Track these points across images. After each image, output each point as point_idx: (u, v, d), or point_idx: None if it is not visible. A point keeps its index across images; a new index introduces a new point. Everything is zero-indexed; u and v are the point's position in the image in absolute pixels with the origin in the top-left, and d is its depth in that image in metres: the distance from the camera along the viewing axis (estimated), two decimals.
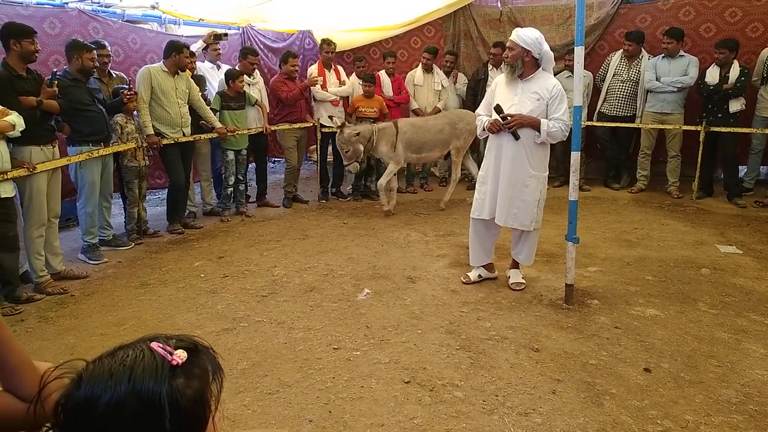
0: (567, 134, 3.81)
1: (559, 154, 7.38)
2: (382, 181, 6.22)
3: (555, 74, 7.18)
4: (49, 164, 4.21)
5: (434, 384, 2.85)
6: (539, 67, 3.83)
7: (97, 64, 4.87)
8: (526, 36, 3.72)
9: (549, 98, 3.77)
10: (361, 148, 6.02)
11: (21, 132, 3.86)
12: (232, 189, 6.33)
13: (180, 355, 0.82)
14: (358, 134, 5.93)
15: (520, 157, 3.88)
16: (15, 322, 3.67)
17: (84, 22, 5.77)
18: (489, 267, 4.29)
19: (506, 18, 7.86)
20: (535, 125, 3.78)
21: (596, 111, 7.11)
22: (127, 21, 6.62)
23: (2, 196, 3.79)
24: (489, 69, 7.27)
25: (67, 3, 5.95)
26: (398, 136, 6.10)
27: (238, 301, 3.97)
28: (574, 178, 3.68)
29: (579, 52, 3.49)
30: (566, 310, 3.71)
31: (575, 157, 3.65)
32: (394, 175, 6.41)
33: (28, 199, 4.13)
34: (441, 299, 3.93)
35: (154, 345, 0.83)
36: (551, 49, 7.42)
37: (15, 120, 3.77)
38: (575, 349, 3.19)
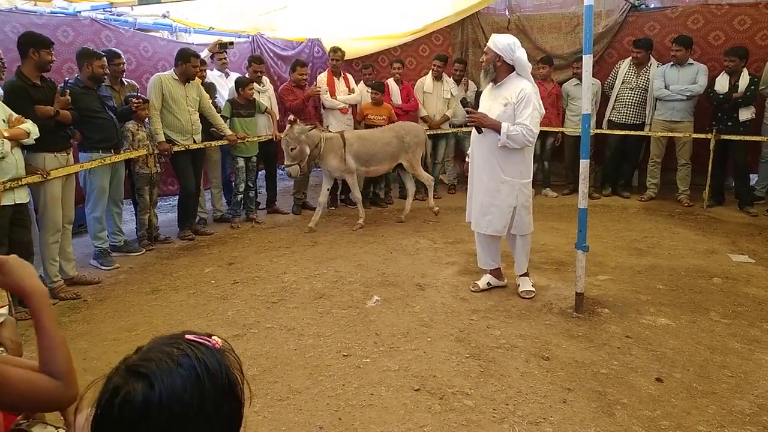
0: (531, 140, 3.77)
1: (568, 162, 7.39)
2: (356, 193, 6.12)
3: (563, 82, 7.32)
4: (63, 170, 4.26)
5: (444, 392, 2.85)
6: (513, 72, 3.82)
7: (108, 71, 4.92)
8: (498, 41, 3.76)
9: (515, 102, 3.74)
10: (308, 150, 5.67)
11: (35, 140, 3.91)
12: (242, 196, 6.37)
13: (218, 341, 0.88)
14: (306, 134, 5.63)
15: (490, 162, 3.91)
16: (29, 327, 3.69)
17: (96, 31, 5.84)
18: (497, 274, 4.29)
19: (514, 26, 7.88)
20: (495, 128, 3.77)
21: (605, 119, 7.10)
22: (138, 29, 6.70)
23: (17, 202, 3.83)
24: None
25: (79, 12, 6.03)
26: (346, 148, 5.92)
27: (249, 308, 3.99)
28: (583, 186, 3.67)
29: (587, 60, 3.50)
30: (576, 318, 3.70)
31: (584, 165, 3.65)
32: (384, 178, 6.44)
33: (43, 205, 4.17)
34: (450, 307, 3.93)
35: (189, 336, 0.87)
36: (559, 57, 7.63)
37: (29, 128, 3.83)
38: (586, 358, 3.18)
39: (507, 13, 8.02)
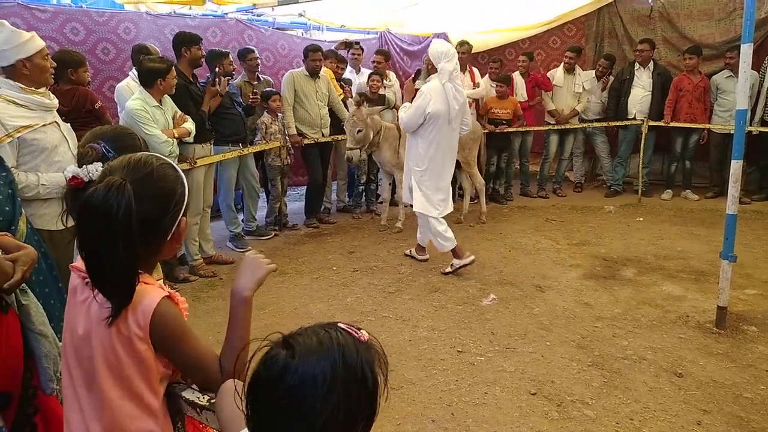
0: (403, 127, 4.59)
1: (714, 162, 6.72)
2: (401, 192, 5.63)
3: (712, 74, 6.62)
4: (207, 159, 4.66)
5: (562, 399, 2.73)
6: (435, 74, 4.33)
7: (234, 67, 5.18)
8: (432, 49, 4.35)
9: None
10: (371, 135, 5.39)
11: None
12: (363, 187, 6.57)
13: (365, 334, 0.92)
14: (373, 117, 5.39)
15: None
16: None
17: (240, 31, 6.32)
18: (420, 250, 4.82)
19: (657, 14, 7.29)
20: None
21: (757, 117, 6.30)
22: (277, 29, 7.14)
23: None
24: (635, 68, 6.79)
25: (226, 14, 6.56)
26: (400, 141, 5.58)
27: (366, 296, 4.11)
28: (733, 190, 3.32)
29: (746, 51, 3.15)
30: (716, 334, 3.36)
31: (736, 166, 3.29)
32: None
33: (188, 190, 4.59)
34: (572, 312, 3.75)
35: (342, 325, 0.92)
36: (709, 47, 6.93)
37: (190, 127, 4.22)
38: (726, 378, 2.88)
39: (650, 0, 7.43)
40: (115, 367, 1.21)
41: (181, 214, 1.26)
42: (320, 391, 0.83)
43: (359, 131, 5.31)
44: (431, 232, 4.55)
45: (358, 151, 5.48)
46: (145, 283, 1.23)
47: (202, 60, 4.64)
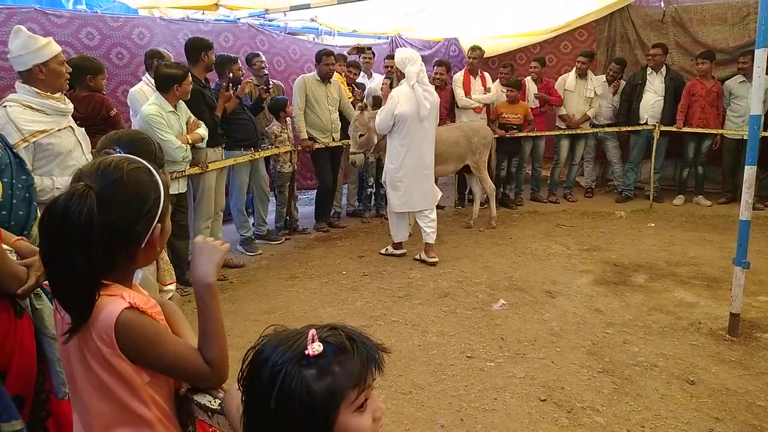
0: (378, 129, 4.87)
1: (726, 167, 6.66)
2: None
3: (725, 79, 6.57)
4: (219, 164, 4.70)
5: (573, 405, 2.72)
6: (404, 79, 4.63)
7: (242, 72, 5.22)
8: (396, 56, 4.77)
9: None
10: (375, 139, 5.32)
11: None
12: (372, 190, 6.58)
13: (314, 348, 0.85)
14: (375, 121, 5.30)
15: None
16: (183, 303, 4.13)
17: (252, 35, 6.37)
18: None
19: (670, 19, 7.24)
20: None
21: None
22: (288, 33, 7.18)
23: (179, 192, 4.28)
24: (648, 73, 6.75)
25: (239, 19, 6.62)
26: None
27: (376, 300, 4.11)
28: (747, 195, 3.29)
29: (761, 56, 3.12)
30: (729, 342, 3.32)
31: (749, 171, 3.27)
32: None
33: (200, 193, 4.63)
34: (583, 318, 3.73)
35: (312, 330, 0.88)
36: (722, 52, 6.89)
37: (203, 133, 4.25)
38: (739, 386, 2.85)
39: (662, 4, 7.38)
40: (95, 382, 1.17)
41: (156, 221, 1.19)
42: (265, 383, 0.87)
43: (361, 135, 5.29)
44: (392, 222, 5.10)
45: (362, 155, 5.48)
46: (109, 295, 1.15)
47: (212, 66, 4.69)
